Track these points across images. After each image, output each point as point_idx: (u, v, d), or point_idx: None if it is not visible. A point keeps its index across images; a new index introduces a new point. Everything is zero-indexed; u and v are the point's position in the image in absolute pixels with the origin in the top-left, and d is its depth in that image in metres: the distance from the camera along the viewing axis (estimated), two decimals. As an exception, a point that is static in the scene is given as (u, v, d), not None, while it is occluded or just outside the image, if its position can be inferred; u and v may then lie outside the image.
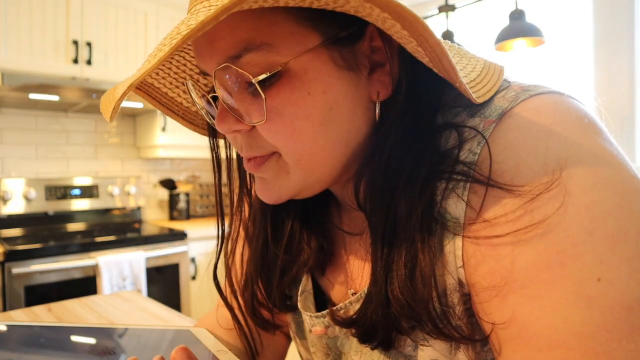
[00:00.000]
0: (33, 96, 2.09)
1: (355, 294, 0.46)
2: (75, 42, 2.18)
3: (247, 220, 0.54)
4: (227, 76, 0.37)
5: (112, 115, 0.34)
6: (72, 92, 2.14)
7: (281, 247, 0.51)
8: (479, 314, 0.37)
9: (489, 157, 0.35)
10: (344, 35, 0.37)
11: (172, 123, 2.60)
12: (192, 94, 0.44)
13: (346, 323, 0.44)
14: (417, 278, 0.37)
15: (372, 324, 0.40)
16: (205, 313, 0.65)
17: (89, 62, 2.23)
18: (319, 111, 0.38)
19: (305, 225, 0.51)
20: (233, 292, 0.55)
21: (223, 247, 0.53)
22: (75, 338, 0.45)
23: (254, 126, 0.39)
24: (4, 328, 0.45)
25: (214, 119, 0.44)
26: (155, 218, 2.87)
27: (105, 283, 1.98)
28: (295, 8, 0.35)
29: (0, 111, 2.35)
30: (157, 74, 0.48)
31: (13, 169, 2.38)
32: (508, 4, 1.82)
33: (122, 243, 2.13)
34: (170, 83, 0.50)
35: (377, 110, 0.40)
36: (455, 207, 0.37)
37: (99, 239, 2.10)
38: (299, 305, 0.51)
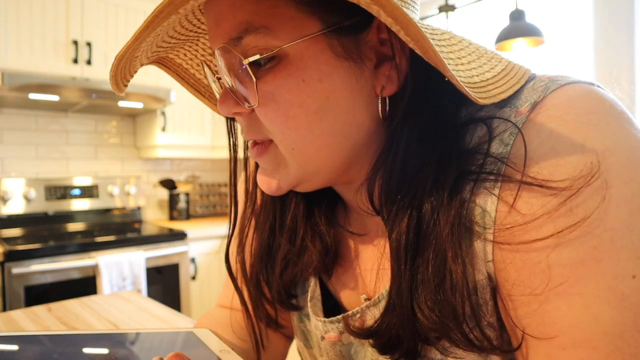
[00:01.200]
0: (33, 96, 2.09)
1: (368, 299, 0.44)
2: (75, 42, 2.18)
3: (259, 210, 0.53)
4: (227, 57, 0.37)
5: (118, 86, 0.37)
6: (72, 92, 2.14)
7: (286, 239, 0.51)
8: (511, 318, 0.35)
9: (524, 148, 0.33)
10: (347, 25, 0.36)
11: (172, 123, 2.60)
12: (207, 75, 0.44)
13: (364, 334, 0.42)
14: (447, 290, 0.35)
15: (395, 335, 0.39)
16: (206, 312, 0.65)
17: (89, 62, 2.23)
18: (313, 100, 0.36)
19: (310, 224, 0.50)
20: (244, 276, 0.54)
21: (234, 233, 0.53)
22: (73, 347, 0.45)
23: (253, 110, 0.38)
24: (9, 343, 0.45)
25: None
26: (155, 218, 2.86)
27: (105, 283, 1.98)
28: None
29: (0, 111, 2.35)
30: (185, 55, 0.49)
31: (13, 169, 2.38)
32: (508, 4, 1.82)
33: (122, 243, 2.13)
34: (198, 65, 0.50)
35: (380, 105, 0.39)
36: (485, 202, 0.35)
37: (99, 239, 2.10)
38: (310, 310, 0.50)
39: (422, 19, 2.46)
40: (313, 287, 0.50)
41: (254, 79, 0.36)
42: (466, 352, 0.37)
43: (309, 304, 0.50)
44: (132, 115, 2.75)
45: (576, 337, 0.30)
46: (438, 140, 0.37)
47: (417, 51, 0.32)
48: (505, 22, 1.75)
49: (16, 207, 2.29)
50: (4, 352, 0.42)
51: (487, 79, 0.38)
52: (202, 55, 0.49)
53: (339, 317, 0.46)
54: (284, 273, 0.51)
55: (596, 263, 0.30)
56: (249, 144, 0.43)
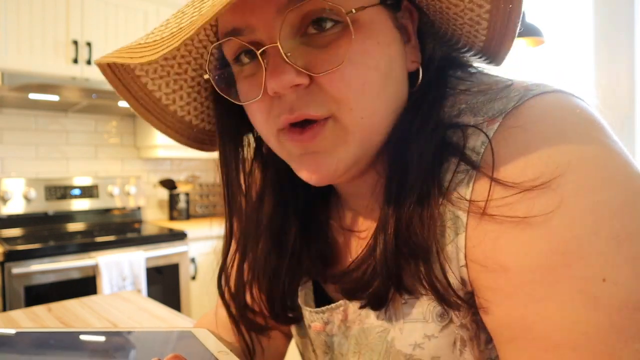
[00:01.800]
0: (33, 96, 2.09)
1: None
2: (75, 42, 2.18)
3: (259, 232, 0.51)
4: (295, 18, 0.35)
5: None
6: (72, 92, 2.14)
7: (285, 258, 0.50)
8: (483, 315, 0.37)
9: (492, 158, 0.35)
10: (391, 2, 0.39)
11: (172, 123, 2.60)
12: (211, 63, 0.41)
13: (338, 275, 0.44)
14: (425, 217, 0.37)
15: (369, 274, 0.40)
16: (206, 312, 0.65)
17: (89, 62, 2.23)
18: (384, 63, 0.38)
19: (305, 234, 0.49)
20: (231, 294, 0.54)
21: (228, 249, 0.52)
22: (69, 344, 0.45)
23: (311, 81, 0.36)
24: (11, 333, 0.45)
25: (232, 93, 0.41)
26: (155, 218, 2.87)
27: (105, 283, 1.98)
28: None
29: (0, 111, 2.35)
30: (154, 71, 0.45)
31: (13, 169, 2.38)
32: (508, 4, 1.82)
33: (122, 243, 2.13)
34: (155, 71, 0.46)
35: (420, 75, 0.41)
36: (457, 208, 0.37)
37: (99, 239, 2.10)
38: (299, 300, 0.51)
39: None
40: (305, 278, 0.52)
41: (352, 34, 0.35)
42: (438, 338, 0.39)
43: (299, 293, 0.51)
44: (132, 115, 2.75)
45: (556, 340, 0.31)
46: (433, 112, 0.40)
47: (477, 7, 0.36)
48: (505, 22, 1.75)
49: (16, 207, 2.29)
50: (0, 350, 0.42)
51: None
52: (162, 64, 0.45)
53: (324, 308, 0.48)
54: (285, 291, 0.51)
55: (566, 268, 0.31)
56: (286, 133, 0.39)
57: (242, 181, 0.49)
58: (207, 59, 0.44)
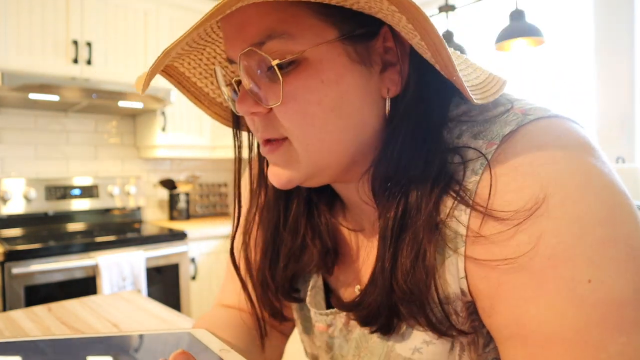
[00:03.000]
0: (33, 96, 2.09)
1: (361, 290, 0.47)
2: (75, 42, 2.18)
3: (262, 208, 0.56)
4: (250, 60, 0.40)
5: (144, 87, 0.39)
6: (72, 92, 2.14)
7: (288, 238, 0.54)
8: (483, 319, 0.40)
9: (490, 181, 0.38)
10: (359, 33, 0.40)
11: (172, 123, 2.60)
12: (218, 79, 0.47)
13: (348, 307, 0.46)
14: (420, 268, 0.40)
15: (376, 307, 0.43)
16: (203, 314, 0.65)
17: (89, 62, 2.23)
18: (330, 98, 0.40)
19: (311, 224, 0.53)
20: (249, 270, 0.57)
21: (238, 229, 0.55)
22: (68, 351, 0.45)
23: (270, 110, 0.42)
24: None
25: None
26: (155, 218, 2.86)
27: (105, 283, 1.98)
28: (316, 4, 0.38)
29: (0, 111, 2.35)
30: (189, 64, 0.51)
31: (13, 169, 2.38)
32: (508, 4, 1.82)
33: (122, 243, 2.13)
34: (200, 74, 0.53)
35: (388, 105, 0.43)
36: (457, 226, 0.40)
37: (99, 239, 2.10)
38: (307, 300, 0.54)
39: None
40: (315, 278, 0.55)
41: (281, 79, 0.39)
42: (437, 342, 0.42)
43: (309, 292, 0.54)
44: (132, 115, 2.75)
45: (548, 335, 0.34)
46: (427, 137, 0.42)
47: (428, 54, 0.37)
48: (505, 22, 1.75)
49: (16, 207, 2.29)
50: None
51: (476, 85, 0.43)
52: (206, 65, 0.52)
53: (328, 311, 0.51)
54: (287, 268, 0.54)
55: (553, 269, 0.34)
56: (260, 142, 0.45)
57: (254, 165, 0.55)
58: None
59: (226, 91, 0.48)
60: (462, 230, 0.39)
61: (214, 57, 0.52)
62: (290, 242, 0.53)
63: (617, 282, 0.33)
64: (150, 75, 0.38)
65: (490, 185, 0.38)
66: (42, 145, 2.47)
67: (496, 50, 1.82)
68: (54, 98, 2.15)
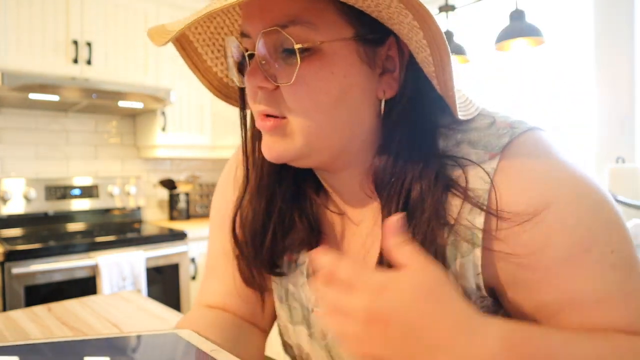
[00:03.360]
0: (33, 96, 2.09)
1: None
2: (75, 42, 2.18)
3: (254, 189, 0.58)
4: (270, 39, 0.43)
5: (162, 41, 0.44)
6: (72, 92, 2.14)
7: (277, 216, 0.57)
8: (513, 304, 0.46)
9: (495, 194, 0.44)
10: (371, 38, 0.45)
11: (172, 123, 2.60)
12: (227, 50, 0.50)
13: None
14: (432, 254, 0.44)
15: None
16: (184, 316, 0.64)
17: (89, 62, 2.23)
18: (336, 90, 0.44)
19: (298, 205, 0.57)
20: (237, 242, 0.59)
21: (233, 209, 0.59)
22: (66, 351, 0.45)
23: (276, 88, 0.45)
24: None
25: (241, 78, 0.50)
26: (155, 218, 2.87)
27: (105, 283, 1.98)
28: (341, 2, 0.42)
29: (0, 111, 2.35)
30: (196, 29, 0.55)
31: (13, 169, 2.38)
32: (508, 4, 1.82)
33: (122, 243, 2.13)
34: (203, 40, 0.56)
35: (382, 106, 0.47)
36: (473, 226, 0.45)
37: (99, 239, 2.10)
38: (309, 284, 0.56)
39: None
40: (309, 265, 0.57)
41: (299, 62, 0.42)
42: None
43: (305, 281, 0.57)
44: (132, 115, 2.75)
45: (598, 297, 0.42)
46: (423, 139, 0.47)
47: (431, 68, 0.43)
48: (505, 22, 1.75)
49: (16, 207, 2.29)
50: None
51: (460, 102, 0.49)
52: (212, 33, 0.56)
53: None
54: (274, 244, 0.57)
55: (586, 252, 0.42)
56: (257, 116, 0.48)
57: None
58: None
59: (232, 62, 0.50)
60: (479, 232, 0.44)
61: (221, 28, 0.55)
62: (278, 221, 0.56)
63: (626, 249, 0.43)
64: (173, 32, 0.42)
65: (501, 190, 0.44)
66: (42, 145, 2.47)
67: (496, 50, 1.82)
68: (54, 98, 2.15)
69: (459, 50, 2.02)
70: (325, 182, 0.56)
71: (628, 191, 1.66)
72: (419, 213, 0.45)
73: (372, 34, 0.45)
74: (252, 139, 0.56)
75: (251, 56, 0.47)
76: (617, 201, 1.53)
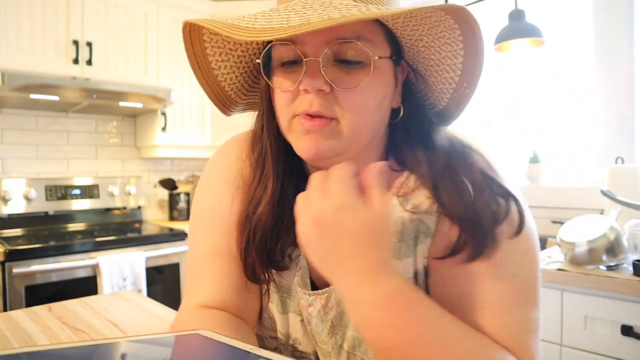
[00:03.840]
0: (33, 96, 2.10)
1: None
2: (76, 42, 2.19)
3: (258, 188, 0.62)
4: (335, 49, 0.50)
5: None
6: (73, 92, 2.14)
7: (278, 213, 0.60)
8: (431, 289, 0.56)
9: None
10: (396, 58, 0.56)
11: (172, 123, 2.60)
12: (280, 54, 0.54)
13: None
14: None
15: None
16: (178, 318, 0.62)
17: (89, 62, 2.23)
18: (380, 97, 0.54)
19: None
20: (248, 242, 0.62)
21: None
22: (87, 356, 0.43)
23: (331, 90, 0.51)
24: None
25: (269, 78, 0.56)
26: (155, 218, 2.87)
27: (105, 283, 1.98)
28: (386, 27, 0.53)
29: (0, 111, 2.35)
30: (216, 42, 0.58)
31: (13, 169, 2.39)
32: (508, 4, 1.82)
33: (122, 243, 2.13)
34: (220, 55, 0.60)
35: (402, 112, 0.58)
36: (429, 221, 0.56)
37: (99, 239, 2.10)
38: (296, 280, 0.61)
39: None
40: (301, 260, 0.61)
41: (372, 70, 0.51)
42: None
43: (297, 273, 0.61)
44: (132, 115, 2.76)
45: (478, 304, 0.51)
46: (420, 141, 0.57)
47: (446, 84, 0.57)
48: (505, 22, 1.75)
49: (17, 207, 2.29)
50: None
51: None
52: (224, 39, 0.59)
53: (311, 292, 0.59)
54: (283, 241, 0.60)
55: (494, 267, 0.52)
56: (302, 117, 0.52)
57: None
58: (255, 46, 0.61)
59: (274, 65, 0.55)
60: (432, 227, 0.56)
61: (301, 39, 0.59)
62: (281, 218, 0.60)
63: (528, 281, 0.52)
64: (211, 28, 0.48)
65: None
66: (43, 145, 2.48)
67: (496, 51, 1.82)
68: (55, 98, 2.15)
69: (459, 51, 2.01)
70: None
71: (628, 191, 1.66)
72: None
73: (397, 54, 0.55)
74: (274, 145, 0.60)
75: (295, 62, 0.53)
76: (617, 201, 1.53)
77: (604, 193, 1.59)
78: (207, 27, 0.50)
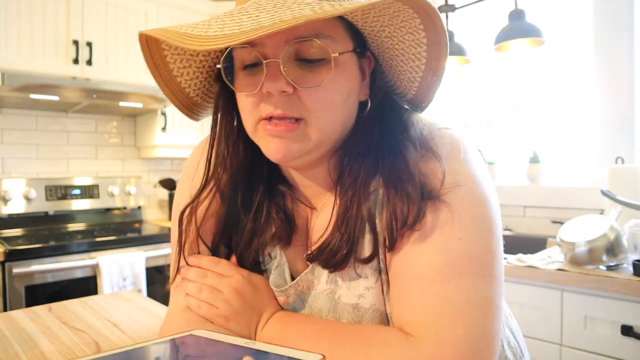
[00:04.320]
0: (33, 96, 2.10)
1: (309, 255, 0.59)
2: (76, 42, 2.18)
3: (225, 186, 0.62)
4: (294, 49, 0.50)
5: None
6: (73, 92, 2.14)
7: (252, 214, 0.61)
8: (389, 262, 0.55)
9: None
10: (360, 50, 0.54)
11: (172, 123, 2.60)
12: (237, 59, 0.53)
13: (315, 254, 0.57)
14: (364, 220, 0.55)
15: (336, 249, 0.55)
16: (167, 322, 0.62)
17: (89, 62, 2.23)
18: (345, 92, 0.53)
19: (273, 199, 0.62)
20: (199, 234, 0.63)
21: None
22: None
23: (294, 91, 0.50)
24: None
25: (231, 83, 0.54)
26: (155, 218, 2.87)
27: (105, 283, 1.98)
28: (347, 21, 0.51)
29: (0, 111, 2.35)
30: (175, 49, 0.58)
31: (13, 169, 2.39)
32: (508, 4, 1.82)
33: (122, 243, 2.13)
34: (180, 61, 0.60)
35: (369, 106, 0.57)
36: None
37: (99, 239, 2.10)
38: (270, 280, 0.62)
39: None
40: (279, 257, 0.62)
41: (332, 68, 0.50)
42: (374, 288, 0.56)
43: (273, 271, 0.62)
44: (132, 115, 2.76)
45: (416, 272, 0.50)
46: (390, 135, 0.56)
47: (413, 72, 0.56)
48: (505, 22, 1.75)
49: (17, 207, 2.29)
50: None
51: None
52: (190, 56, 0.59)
53: (284, 288, 0.61)
54: (250, 245, 0.61)
55: (438, 230, 0.50)
56: (266, 122, 0.52)
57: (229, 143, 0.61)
58: (217, 50, 0.59)
59: (235, 68, 0.54)
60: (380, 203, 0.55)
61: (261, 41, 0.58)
62: (253, 219, 0.61)
63: (474, 244, 0.49)
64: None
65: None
66: (43, 145, 2.48)
67: (496, 51, 1.82)
68: (55, 98, 2.15)
69: (459, 51, 2.02)
70: (294, 179, 0.62)
71: (628, 191, 1.66)
72: (360, 198, 0.54)
73: (360, 47, 0.54)
74: (234, 142, 0.60)
75: (253, 65, 0.52)
76: (617, 201, 1.53)
77: (604, 193, 1.59)
78: (159, 38, 0.49)
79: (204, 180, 0.61)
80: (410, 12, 0.48)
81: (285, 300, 0.62)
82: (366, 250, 0.55)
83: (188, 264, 0.62)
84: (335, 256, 0.55)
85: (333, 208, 0.57)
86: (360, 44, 0.54)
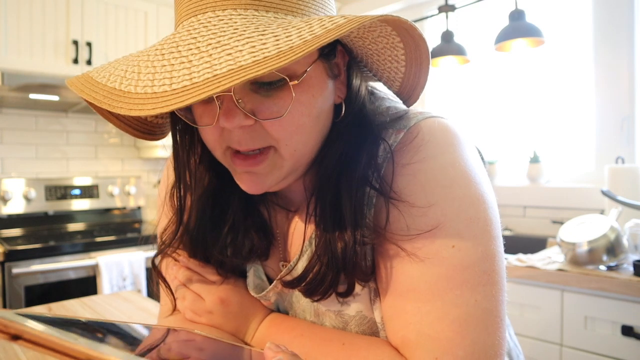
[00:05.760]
0: (33, 96, 2.09)
1: (285, 264, 0.58)
2: (76, 42, 2.18)
3: (199, 203, 0.58)
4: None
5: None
6: (72, 92, 2.14)
7: (223, 231, 0.58)
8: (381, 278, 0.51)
9: (392, 169, 0.49)
10: (327, 52, 0.48)
11: (172, 123, 2.60)
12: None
13: (294, 283, 0.53)
14: (351, 239, 0.49)
15: (320, 279, 0.50)
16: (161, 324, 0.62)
17: (89, 62, 2.23)
18: (316, 109, 0.47)
19: (249, 213, 0.58)
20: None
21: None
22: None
23: (255, 122, 0.44)
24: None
25: (188, 113, 0.49)
26: (155, 218, 2.86)
27: (105, 283, 1.98)
28: None
29: (0, 111, 2.35)
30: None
31: (13, 169, 2.39)
32: (508, 4, 1.82)
33: (122, 243, 2.13)
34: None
35: (343, 109, 0.51)
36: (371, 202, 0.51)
37: (99, 239, 2.10)
38: (250, 288, 0.60)
39: (422, 19, 2.45)
40: (256, 266, 0.61)
41: (293, 95, 0.43)
42: (360, 294, 0.52)
43: (250, 278, 0.60)
44: (132, 115, 2.75)
45: (408, 287, 0.46)
46: (368, 136, 0.51)
47: (395, 63, 0.50)
48: (505, 22, 1.75)
49: (16, 207, 2.29)
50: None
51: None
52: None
53: (263, 293, 0.59)
54: (227, 259, 0.59)
55: (429, 238, 0.46)
56: (235, 156, 0.47)
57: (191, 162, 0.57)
58: None
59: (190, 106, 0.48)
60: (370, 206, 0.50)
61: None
62: (227, 236, 0.58)
63: (469, 252, 0.45)
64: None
65: (392, 178, 0.49)
66: (42, 145, 2.47)
67: (496, 51, 1.82)
68: (54, 98, 2.15)
69: (459, 51, 2.02)
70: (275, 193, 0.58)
71: (628, 191, 1.67)
72: (343, 206, 0.49)
73: (328, 48, 0.48)
74: (197, 167, 0.56)
75: (218, 96, 0.44)
76: (617, 201, 1.53)
77: (604, 193, 1.59)
78: (85, 98, 0.43)
79: (169, 221, 0.59)
80: (377, 22, 0.43)
81: (269, 302, 0.61)
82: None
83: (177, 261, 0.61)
84: (316, 289, 0.51)
85: (307, 214, 0.53)
86: (326, 45, 0.43)
